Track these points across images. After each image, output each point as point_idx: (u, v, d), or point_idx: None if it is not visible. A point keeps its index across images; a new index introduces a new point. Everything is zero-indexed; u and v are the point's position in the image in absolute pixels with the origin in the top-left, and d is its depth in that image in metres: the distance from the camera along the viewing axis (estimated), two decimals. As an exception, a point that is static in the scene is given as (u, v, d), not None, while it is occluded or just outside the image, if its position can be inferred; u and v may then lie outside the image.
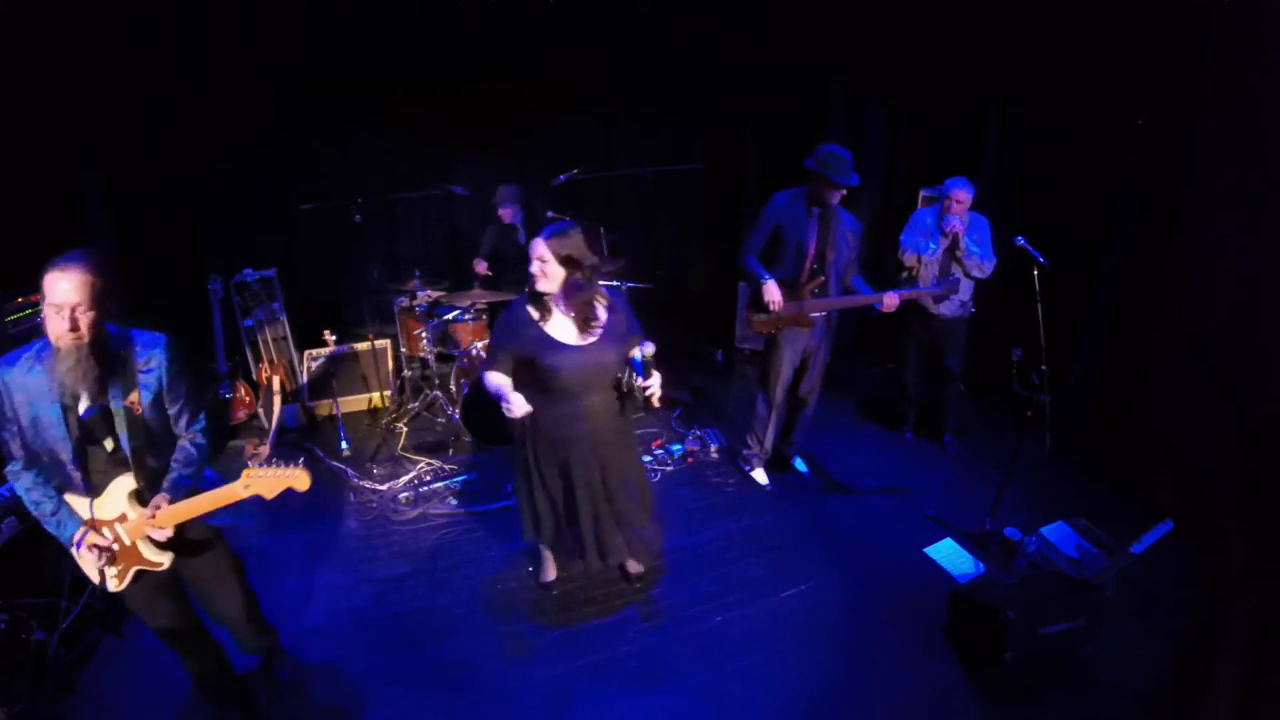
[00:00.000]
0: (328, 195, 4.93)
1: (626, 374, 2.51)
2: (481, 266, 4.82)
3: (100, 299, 1.77)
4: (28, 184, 3.73)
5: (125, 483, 1.94)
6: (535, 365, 2.46)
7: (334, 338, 4.75)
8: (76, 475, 1.90)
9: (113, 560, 1.97)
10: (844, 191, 3.26)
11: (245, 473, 1.93)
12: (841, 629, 2.94)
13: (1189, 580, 3.07)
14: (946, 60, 4.67)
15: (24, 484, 1.96)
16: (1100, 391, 4.13)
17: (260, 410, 4.58)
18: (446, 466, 4.11)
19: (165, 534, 1.92)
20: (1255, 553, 3.09)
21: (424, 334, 4.44)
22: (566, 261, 2.40)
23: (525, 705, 2.61)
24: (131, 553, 2.00)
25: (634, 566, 3.15)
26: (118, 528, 1.97)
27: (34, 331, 3.60)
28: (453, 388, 4.48)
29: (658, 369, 2.51)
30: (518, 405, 2.40)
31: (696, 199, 6.48)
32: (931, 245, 3.77)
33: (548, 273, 2.41)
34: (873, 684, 2.69)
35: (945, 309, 3.85)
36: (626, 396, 2.59)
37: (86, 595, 2.57)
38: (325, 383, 4.64)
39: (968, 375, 4.22)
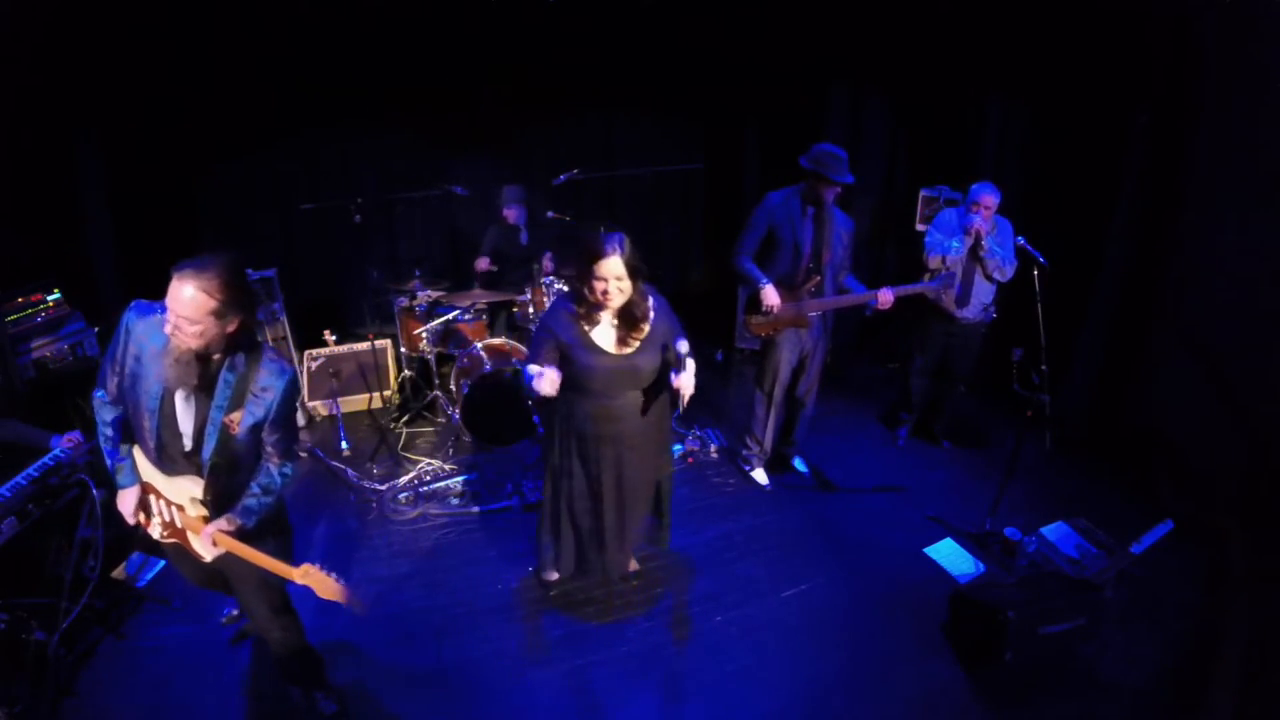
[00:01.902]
0: (328, 195, 4.93)
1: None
2: (484, 263, 4.81)
3: (216, 314, 1.71)
4: (27, 184, 3.72)
5: (195, 486, 1.96)
6: (571, 365, 2.43)
7: (334, 338, 4.75)
8: (151, 446, 1.93)
9: (149, 520, 2.06)
10: (839, 190, 3.26)
11: (305, 566, 1.94)
12: (841, 629, 2.95)
13: (1189, 580, 3.08)
14: (946, 60, 4.67)
15: (104, 416, 2.01)
16: (1100, 391, 4.13)
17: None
18: (446, 466, 4.11)
19: (214, 553, 1.96)
20: (1255, 553, 3.09)
21: (424, 334, 4.45)
22: (635, 274, 2.31)
23: (525, 705, 2.61)
24: (182, 535, 2.08)
25: (632, 564, 3.16)
26: (174, 510, 2.03)
27: (34, 331, 3.61)
28: (453, 388, 4.48)
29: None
30: (548, 381, 2.22)
31: (696, 199, 6.47)
32: (955, 243, 3.74)
33: (624, 289, 2.30)
34: (873, 684, 2.69)
35: (968, 312, 3.82)
36: (663, 405, 2.58)
37: (86, 595, 2.57)
38: (325, 383, 4.64)
39: (970, 376, 4.21)
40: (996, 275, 3.74)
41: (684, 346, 2.40)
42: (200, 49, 4.35)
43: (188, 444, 1.91)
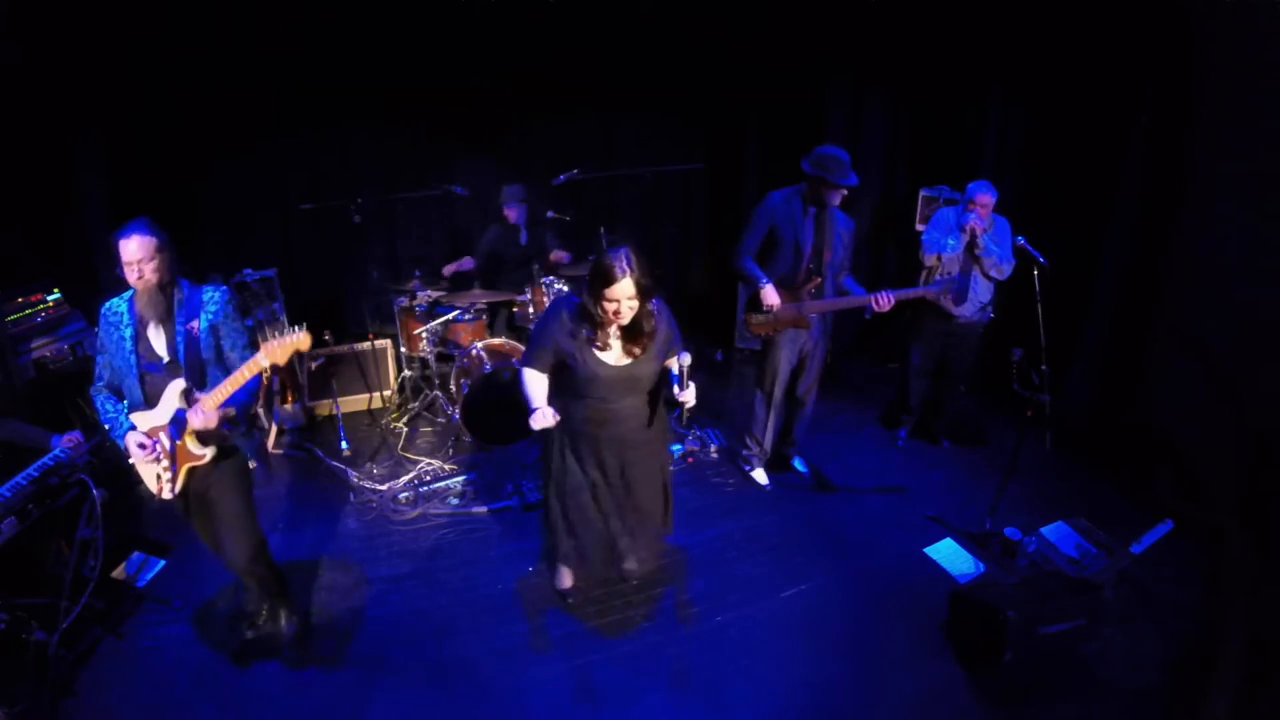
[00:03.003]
0: (328, 195, 4.92)
1: (667, 388, 2.46)
2: (468, 263, 4.83)
3: (157, 253, 2.28)
4: (27, 184, 3.73)
5: (178, 385, 2.34)
6: (572, 372, 2.42)
7: (334, 338, 4.75)
8: (137, 389, 2.36)
9: (158, 457, 2.35)
10: (844, 193, 3.26)
11: (262, 346, 2.24)
12: (841, 629, 2.95)
13: (1189, 580, 3.07)
14: (946, 60, 4.67)
15: (100, 398, 2.45)
16: (1100, 391, 4.13)
17: (260, 410, 4.58)
18: (446, 466, 4.11)
19: (210, 417, 2.28)
20: (1255, 553, 3.09)
21: (424, 334, 4.45)
22: (646, 294, 2.27)
23: (525, 705, 2.61)
24: (182, 450, 2.39)
25: (630, 565, 3.16)
26: (170, 427, 2.35)
27: (34, 331, 3.62)
28: (453, 388, 4.48)
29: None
30: (541, 419, 2.33)
31: (696, 199, 6.47)
32: (951, 241, 3.74)
33: (634, 308, 2.27)
34: (873, 684, 2.69)
35: (966, 311, 3.82)
36: (660, 404, 2.58)
37: (86, 595, 2.57)
38: (325, 383, 4.64)
39: (969, 376, 4.21)
40: (994, 274, 3.74)
41: (686, 359, 2.40)
42: (200, 49, 4.35)
43: (166, 356, 2.37)
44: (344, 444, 4.33)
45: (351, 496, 3.87)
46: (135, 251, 2.25)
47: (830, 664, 2.77)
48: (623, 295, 2.23)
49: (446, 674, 2.73)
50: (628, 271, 2.21)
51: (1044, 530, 3.38)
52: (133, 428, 2.37)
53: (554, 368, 2.47)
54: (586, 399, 2.49)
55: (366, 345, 4.74)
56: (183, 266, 2.44)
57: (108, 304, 2.40)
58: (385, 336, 4.96)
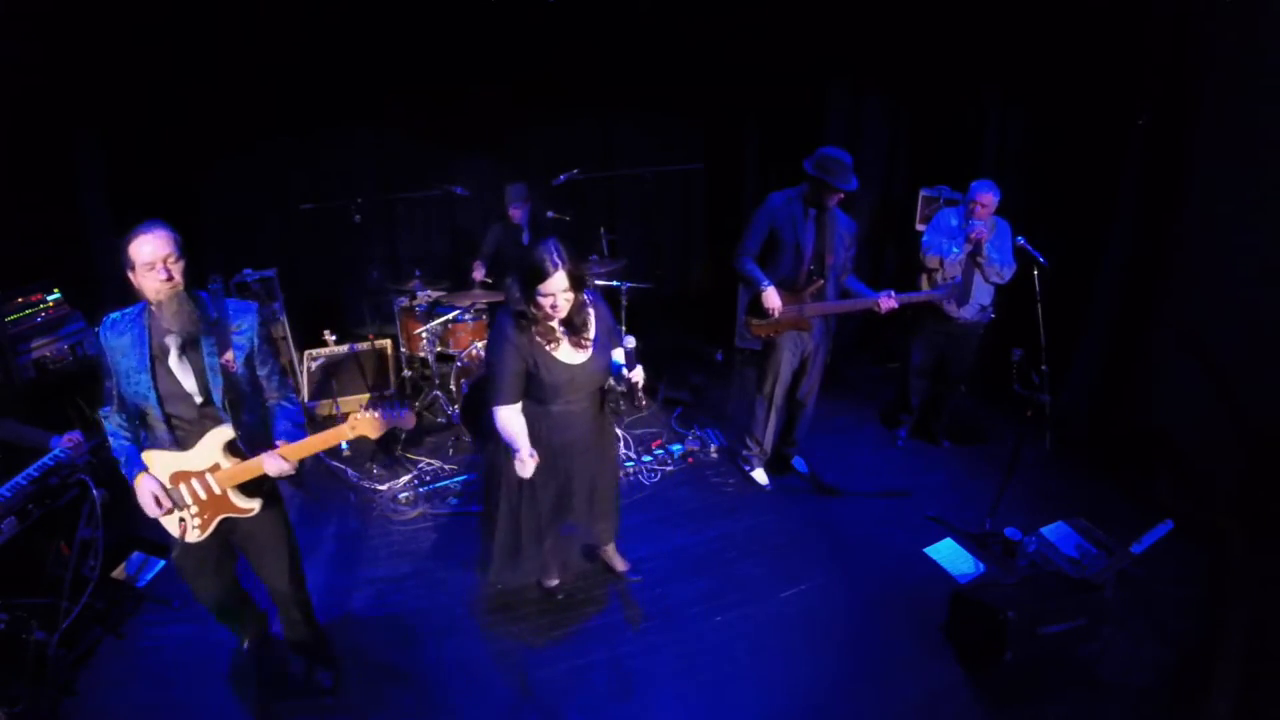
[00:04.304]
0: (328, 195, 4.93)
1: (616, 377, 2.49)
2: (479, 273, 4.80)
3: (178, 245, 2.00)
4: (27, 184, 3.72)
5: (221, 434, 2.09)
6: (539, 381, 2.42)
7: (334, 338, 4.75)
8: (162, 425, 2.09)
9: (170, 509, 2.13)
10: (843, 195, 3.26)
11: (351, 415, 2.10)
12: (841, 629, 2.95)
13: (1189, 580, 3.07)
14: (946, 60, 4.67)
15: (110, 424, 2.17)
16: (1100, 391, 4.13)
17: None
18: (446, 466, 4.11)
19: (290, 468, 2.08)
20: (1255, 553, 3.09)
21: (424, 334, 4.45)
22: (579, 284, 2.29)
23: (525, 705, 2.61)
24: (220, 501, 2.16)
25: (620, 564, 3.18)
26: (208, 478, 2.12)
27: (34, 331, 3.61)
28: (453, 388, 4.48)
29: (649, 367, 2.48)
30: (527, 466, 2.32)
31: (696, 199, 6.47)
32: (955, 249, 3.74)
33: (570, 299, 2.29)
34: (873, 684, 2.69)
35: (966, 313, 3.81)
36: (619, 395, 2.59)
37: (86, 595, 2.57)
38: (325, 383, 4.64)
39: (968, 376, 4.21)
40: (995, 279, 3.74)
41: (630, 342, 2.41)
42: (200, 49, 4.35)
43: (198, 397, 2.08)
44: (344, 444, 4.33)
45: (352, 496, 3.87)
46: (164, 245, 1.95)
47: (830, 664, 2.77)
48: (558, 289, 2.23)
49: (446, 674, 2.73)
50: (560, 265, 2.21)
51: (1044, 530, 3.38)
52: (144, 468, 2.10)
53: (524, 388, 2.43)
54: (549, 405, 2.48)
55: (366, 345, 4.74)
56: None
57: (108, 320, 2.07)
58: (385, 336, 4.96)
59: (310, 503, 3.80)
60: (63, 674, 2.60)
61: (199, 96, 4.64)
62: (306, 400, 4.67)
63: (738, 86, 5.58)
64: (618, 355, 2.53)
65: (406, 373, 4.95)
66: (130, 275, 1.98)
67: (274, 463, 2.07)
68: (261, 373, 2.19)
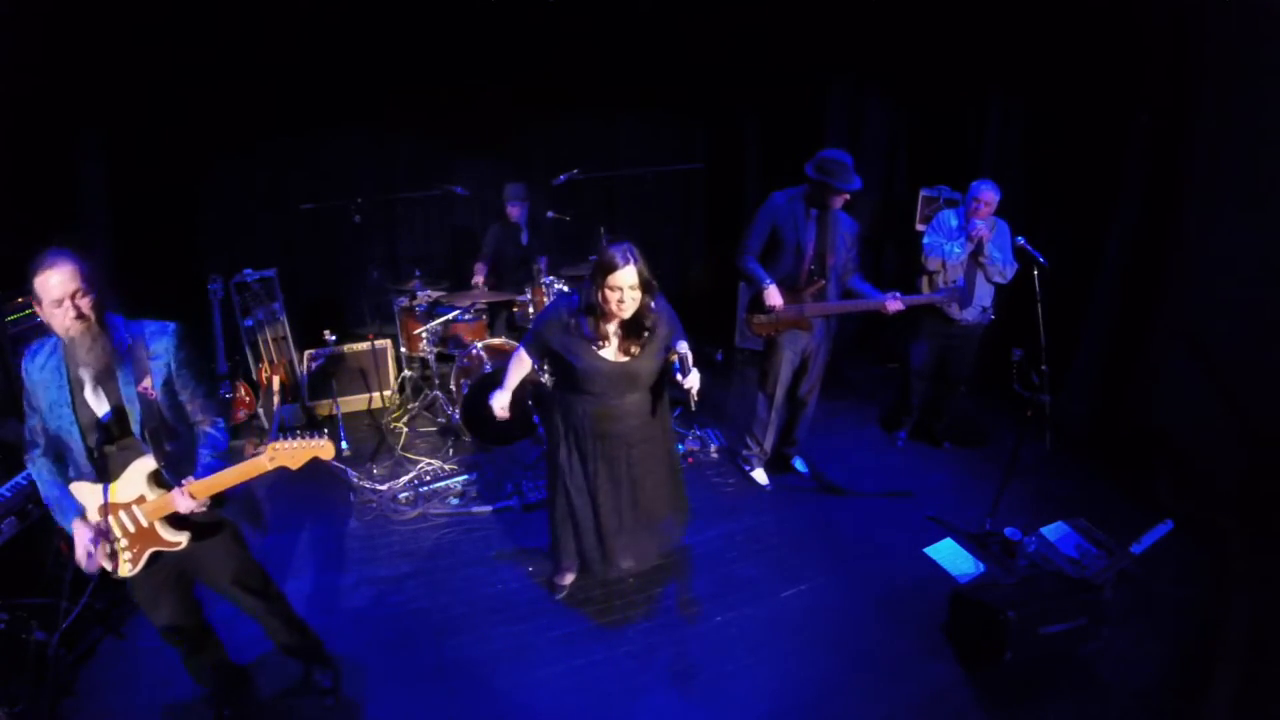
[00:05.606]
0: (328, 195, 4.93)
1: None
2: (481, 276, 4.78)
3: (91, 282, 1.86)
4: (27, 184, 3.72)
5: (144, 465, 1.98)
6: (570, 366, 2.44)
7: (334, 338, 4.75)
8: (84, 460, 1.97)
9: (107, 545, 2.00)
10: (846, 197, 3.26)
11: (269, 446, 1.99)
12: (841, 629, 2.95)
13: (1189, 580, 3.07)
14: (946, 59, 4.67)
15: (39, 470, 2.04)
16: (1100, 391, 4.13)
17: (260, 410, 4.58)
18: (446, 466, 4.11)
19: (199, 505, 1.97)
20: (1255, 553, 3.09)
21: (424, 334, 4.45)
22: (647, 287, 2.33)
23: (525, 705, 2.61)
24: (148, 534, 2.04)
25: (628, 563, 3.16)
26: (135, 510, 2.00)
27: (34, 331, 3.60)
28: (453, 388, 4.48)
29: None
30: (497, 407, 2.59)
31: (697, 199, 6.47)
32: (956, 249, 3.74)
33: (636, 299, 2.32)
34: (872, 684, 2.69)
35: (967, 314, 3.80)
36: (664, 399, 2.61)
37: (86, 595, 2.55)
38: (325, 383, 4.64)
39: (969, 377, 4.21)
40: (997, 279, 3.74)
41: (684, 347, 2.41)
42: (201, 49, 4.35)
43: (117, 429, 1.98)
44: (344, 444, 4.33)
45: (352, 496, 3.87)
46: (66, 283, 1.79)
47: (830, 664, 2.77)
48: (625, 283, 2.29)
49: (446, 674, 2.73)
50: (630, 260, 2.28)
51: (1044, 530, 3.38)
52: (80, 513, 1.99)
53: (548, 360, 2.53)
54: (587, 395, 2.51)
55: (366, 345, 4.74)
56: (115, 294, 2.00)
57: (29, 351, 1.97)
58: (385, 336, 4.96)
59: (310, 503, 3.80)
60: (63, 674, 2.60)
61: (199, 97, 4.64)
62: (306, 400, 4.67)
63: (738, 86, 5.58)
64: (673, 358, 2.45)
65: (406, 373, 4.95)
66: (37, 309, 1.86)
67: (183, 501, 1.94)
68: (183, 397, 2.05)
